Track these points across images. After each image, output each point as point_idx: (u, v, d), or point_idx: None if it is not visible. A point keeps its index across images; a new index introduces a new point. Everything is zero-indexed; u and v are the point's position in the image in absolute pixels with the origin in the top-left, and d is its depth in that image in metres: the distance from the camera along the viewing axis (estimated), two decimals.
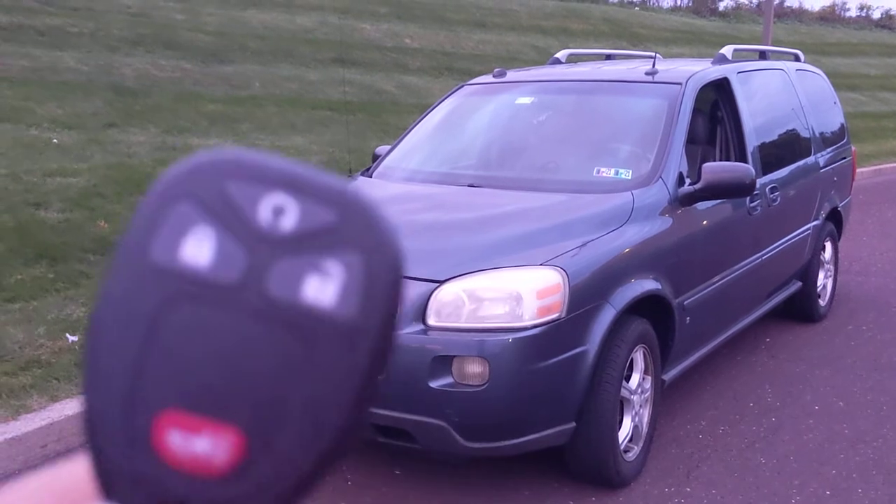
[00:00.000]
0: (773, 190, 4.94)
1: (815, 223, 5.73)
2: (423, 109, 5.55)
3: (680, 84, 4.44)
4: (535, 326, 3.19)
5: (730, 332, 4.70)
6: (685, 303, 3.99)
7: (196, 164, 0.33)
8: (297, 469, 0.31)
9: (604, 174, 4.13)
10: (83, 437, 0.31)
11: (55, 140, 8.07)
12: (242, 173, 0.32)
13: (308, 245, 0.31)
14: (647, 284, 3.67)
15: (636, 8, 24.93)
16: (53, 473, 0.34)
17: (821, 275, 5.97)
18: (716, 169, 4.05)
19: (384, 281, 0.32)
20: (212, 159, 0.33)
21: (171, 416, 0.30)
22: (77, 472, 0.34)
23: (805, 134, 5.71)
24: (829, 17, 31.00)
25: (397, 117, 11.02)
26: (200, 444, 0.30)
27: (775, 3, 18.22)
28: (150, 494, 0.31)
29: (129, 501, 0.31)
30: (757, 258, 4.79)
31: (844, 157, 6.37)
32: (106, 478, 0.31)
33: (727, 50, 5.14)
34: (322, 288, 0.31)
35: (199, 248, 0.31)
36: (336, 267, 0.31)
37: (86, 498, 0.33)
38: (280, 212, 0.32)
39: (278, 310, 0.31)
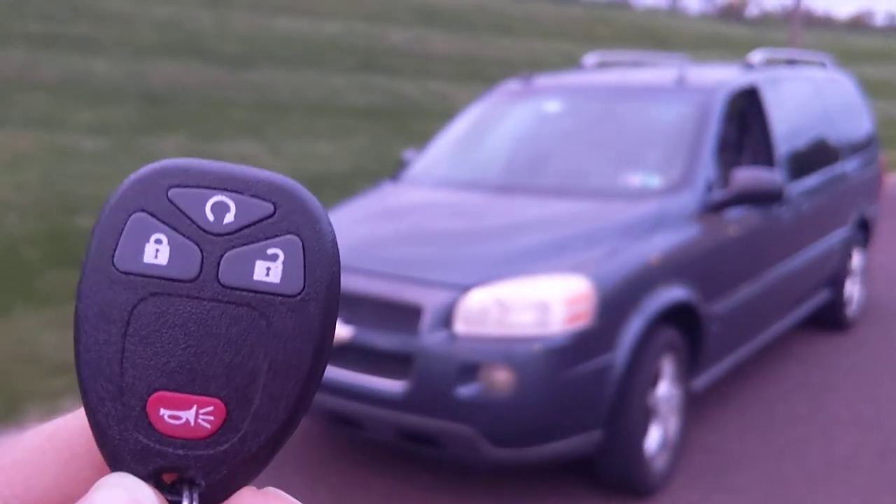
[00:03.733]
0: (801, 197, 4.92)
1: (843, 230, 5.69)
2: (449, 116, 5.58)
3: (709, 91, 4.43)
4: (562, 334, 3.19)
5: (759, 341, 4.67)
6: (713, 310, 3.98)
7: (140, 177, 0.37)
8: (271, 422, 0.36)
9: (632, 181, 4.13)
10: (86, 417, 0.36)
11: (88, 146, 8.18)
12: (184, 180, 0.37)
13: (250, 235, 0.36)
14: (676, 292, 3.67)
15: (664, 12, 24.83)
16: (53, 428, 0.38)
17: (849, 283, 5.92)
18: (745, 176, 4.04)
19: (321, 255, 0.37)
20: (154, 171, 0.37)
21: (161, 397, 0.35)
22: (74, 426, 0.38)
23: (833, 141, 5.68)
24: (857, 25, 30.79)
25: (422, 123, 11.05)
26: (188, 416, 0.35)
27: (802, 10, 18.10)
28: (151, 462, 0.36)
29: (133, 470, 0.36)
30: (785, 265, 4.76)
31: (872, 165, 6.32)
32: (111, 451, 0.36)
33: (756, 56, 5.12)
34: (268, 269, 0.36)
35: (157, 252, 0.36)
36: (277, 250, 0.36)
37: (86, 451, 0.37)
38: (222, 210, 0.36)
39: (234, 293, 0.36)
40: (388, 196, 4.53)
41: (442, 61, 15.03)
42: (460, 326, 3.23)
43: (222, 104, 10.55)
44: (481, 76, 14.21)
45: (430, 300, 3.29)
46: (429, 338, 3.24)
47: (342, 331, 3.39)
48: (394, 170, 5.13)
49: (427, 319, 3.26)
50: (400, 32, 15.87)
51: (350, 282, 3.47)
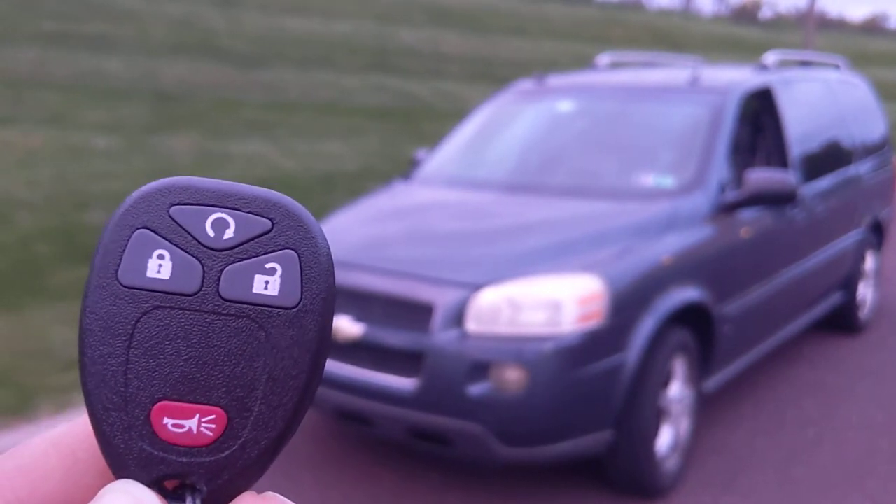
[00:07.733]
0: (814, 199, 4.89)
1: (856, 233, 5.66)
2: (460, 116, 5.58)
3: (723, 92, 4.41)
4: (574, 334, 3.18)
5: (771, 343, 4.64)
6: (726, 312, 3.96)
7: (143, 195, 0.38)
8: (270, 429, 0.37)
9: (645, 181, 4.11)
10: (91, 426, 0.37)
11: (100, 144, 8.21)
12: (185, 198, 0.38)
13: (249, 250, 0.37)
14: (688, 293, 3.65)
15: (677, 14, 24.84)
16: (57, 434, 0.39)
17: (862, 285, 5.89)
18: (758, 177, 4.02)
19: (317, 269, 0.38)
20: (156, 189, 0.38)
21: (164, 406, 0.37)
22: (78, 433, 0.39)
23: (847, 143, 5.65)
24: (871, 27, 30.73)
25: (433, 124, 11.05)
26: (191, 424, 0.37)
27: (816, 12, 18.04)
28: (154, 469, 0.37)
29: (137, 477, 0.37)
30: (797, 267, 4.74)
31: (886, 167, 6.29)
32: (115, 459, 0.37)
33: (770, 58, 5.10)
34: (266, 283, 0.37)
35: (160, 267, 0.37)
36: (275, 264, 0.38)
37: (90, 457, 0.38)
38: (222, 226, 0.38)
39: (234, 306, 0.37)
40: (399, 195, 4.52)
41: (453, 62, 15.03)
42: (471, 325, 3.23)
43: (233, 103, 10.58)
44: (493, 77, 14.21)
45: (441, 299, 3.29)
46: (440, 336, 3.23)
47: (353, 328, 3.39)
48: (404, 170, 5.13)
49: (438, 318, 3.25)
50: (411, 33, 15.88)
51: (361, 280, 3.47)
